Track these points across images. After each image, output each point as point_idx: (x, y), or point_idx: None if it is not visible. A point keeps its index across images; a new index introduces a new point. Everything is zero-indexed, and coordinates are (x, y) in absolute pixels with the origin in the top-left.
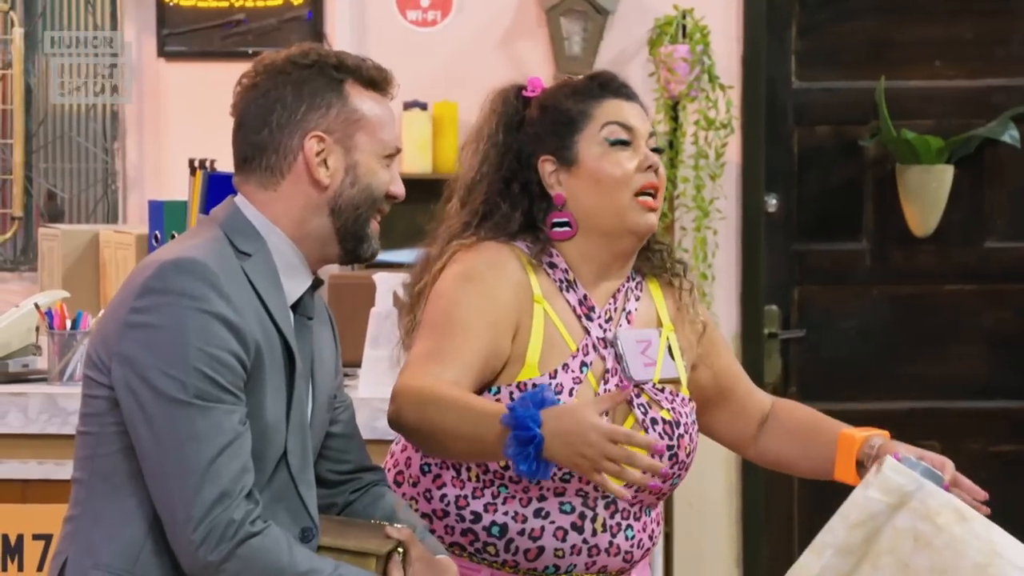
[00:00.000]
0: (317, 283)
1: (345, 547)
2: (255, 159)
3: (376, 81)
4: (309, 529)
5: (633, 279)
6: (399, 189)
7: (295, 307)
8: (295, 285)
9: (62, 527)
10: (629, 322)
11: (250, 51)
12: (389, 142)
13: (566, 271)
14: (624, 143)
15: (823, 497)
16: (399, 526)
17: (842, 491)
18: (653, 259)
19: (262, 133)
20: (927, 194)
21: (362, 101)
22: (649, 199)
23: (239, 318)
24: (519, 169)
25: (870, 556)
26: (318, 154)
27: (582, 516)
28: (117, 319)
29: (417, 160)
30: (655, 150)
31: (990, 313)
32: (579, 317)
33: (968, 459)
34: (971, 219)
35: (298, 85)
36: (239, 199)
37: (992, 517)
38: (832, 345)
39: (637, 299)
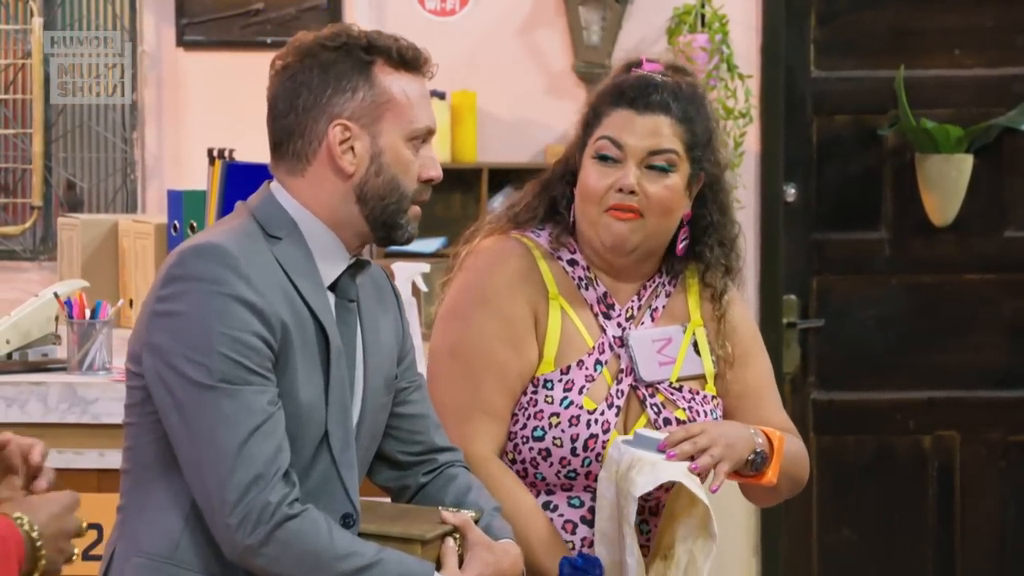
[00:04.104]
0: (360, 265)
1: (389, 534)
2: (283, 144)
3: (408, 60)
4: (349, 515)
5: (668, 274)
6: (433, 172)
7: (335, 289)
8: (331, 268)
9: (116, 516)
10: (653, 319)
11: (268, 40)
12: (419, 122)
13: (586, 268)
14: (609, 159)
15: (843, 485)
16: (457, 510)
17: (860, 482)
18: (701, 273)
19: (289, 117)
20: (946, 183)
21: (391, 83)
22: (617, 211)
23: (261, 299)
24: (574, 151)
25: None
26: (343, 142)
27: (592, 510)
28: (146, 310)
29: (436, 150)
30: (656, 167)
31: (1009, 302)
32: (596, 315)
33: (987, 448)
34: (990, 208)
35: (325, 68)
36: (274, 185)
37: (1011, 507)
38: (851, 335)
39: (668, 295)
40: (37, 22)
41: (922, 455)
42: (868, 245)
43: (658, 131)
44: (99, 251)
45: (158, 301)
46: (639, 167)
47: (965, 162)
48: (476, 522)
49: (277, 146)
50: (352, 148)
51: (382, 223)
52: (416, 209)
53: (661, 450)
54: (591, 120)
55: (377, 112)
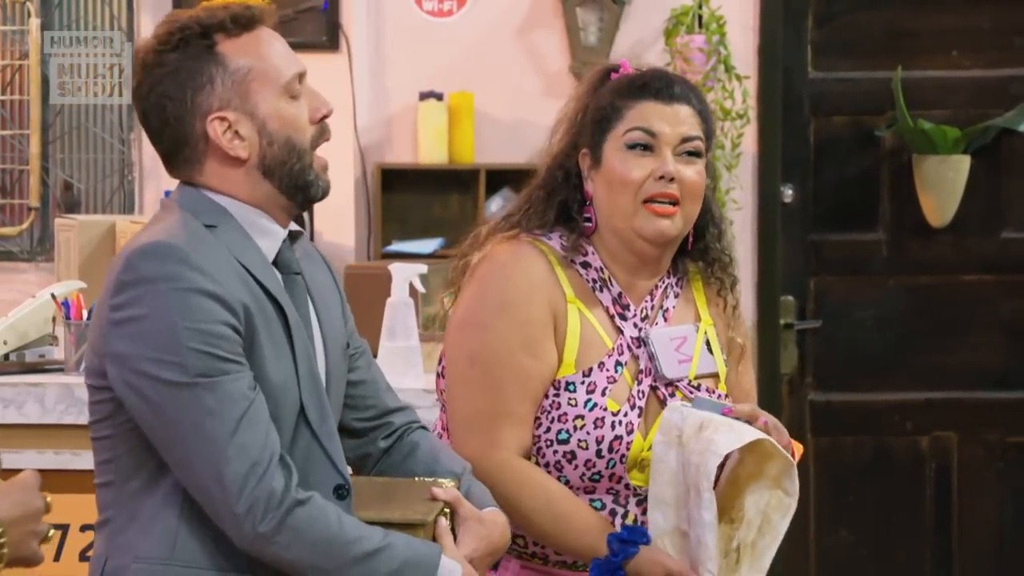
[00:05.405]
0: (294, 236)
1: (391, 520)
2: (172, 157)
3: (246, 18)
4: (342, 486)
5: (675, 275)
6: (322, 109)
7: (277, 265)
8: (270, 243)
9: (96, 531)
10: (666, 319)
11: None
12: (285, 73)
13: (600, 270)
14: (645, 147)
15: (840, 486)
16: (444, 484)
17: (858, 483)
18: (707, 269)
19: (165, 132)
20: (944, 184)
21: (240, 53)
22: (659, 205)
23: (220, 287)
24: (571, 155)
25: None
26: (225, 132)
27: (612, 512)
28: (101, 321)
29: (433, 151)
30: (691, 153)
31: (1007, 303)
32: (612, 317)
33: (985, 449)
34: (988, 209)
35: (174, 73)
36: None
37: (1008, 508)
38: (848, 336)
39: (677, 295)
40: (35, 23)
41: (920, 456)
42: (866, 246)
43: (686, 119)
44: (97, 252)
45: (113, 310)
46: (674, 154)
47: (962, 163)
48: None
49: (167, 160)
50: (237, 133)
51: (294, 187)
52: (321, 160)
53: (726, 414)
54: (610, 115)
55: (243, 88)
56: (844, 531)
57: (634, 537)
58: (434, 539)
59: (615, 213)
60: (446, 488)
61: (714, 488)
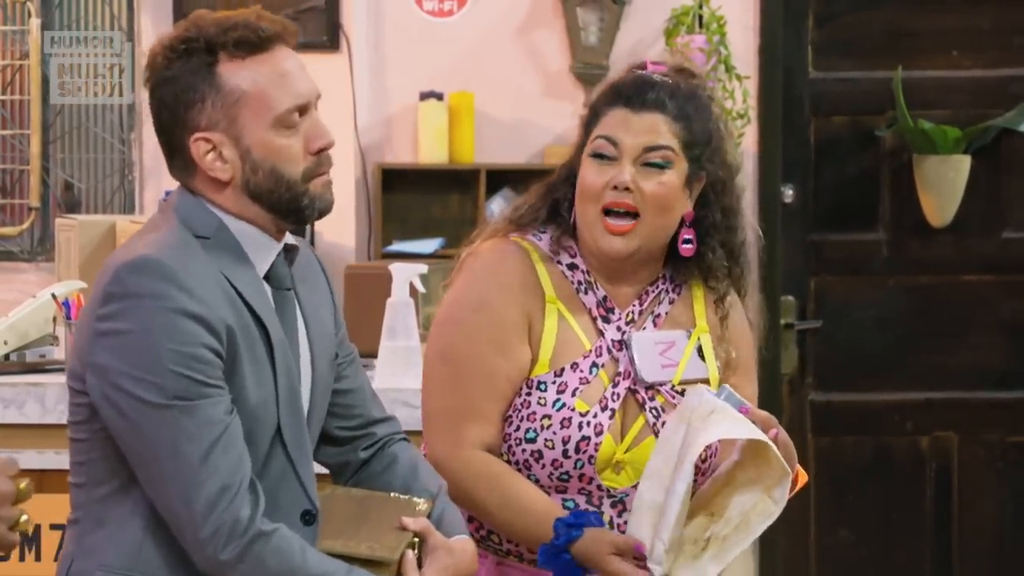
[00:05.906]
0: (289, 250)
1: (357, 554)
2: (169, 159)
3: (251, 43)
4: (309, 512)
5: (671, 280)
6: (320, 142)
7: (269, 279)
8: (263, 258)
9: (66, 530)
10: (656, 324)
11: None
12: (280, 105)
13: (586, 272)
14: (607, 157)
15: (841, 486)
16: (419, 504)
17: (858, 483)
18: (704, 279)
19: (161, 137)
20: (944, 184)
21: (238, 77)
22: (613, 221)
23: (205, 308)
24: (577, 155)
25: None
26: (208, 153)
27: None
28: (87, 328)
29: (434, 150)
30: (652, 164)
31: (1007, 303)
32: (595, 320)
33: (986, 449)
34: (988, 209)
35: (172, 82)
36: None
37: (1008, 508)
38: (849, 336)
39: (671, 302)
40: (35, 23)
41: (920, 456)
42: (866, 246)
43: (654, 128)
44: (97, 252)
45: (98, 320)
46: (635, 165)
47: (963, 163)
48: (429, 516)
49: (167, 160)
50: (220, 155)
51: (285, 212)
52: (319, 180)
53: (743, 413)
54: (590, 121)
55: (232, 113)
56: (844, 531)
57: (580, 520)
58: (399, 574)
59: (581, 220)
60: (416, 519)
61: (707, 478)
